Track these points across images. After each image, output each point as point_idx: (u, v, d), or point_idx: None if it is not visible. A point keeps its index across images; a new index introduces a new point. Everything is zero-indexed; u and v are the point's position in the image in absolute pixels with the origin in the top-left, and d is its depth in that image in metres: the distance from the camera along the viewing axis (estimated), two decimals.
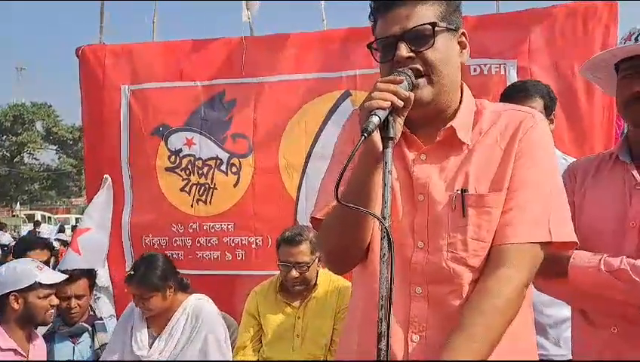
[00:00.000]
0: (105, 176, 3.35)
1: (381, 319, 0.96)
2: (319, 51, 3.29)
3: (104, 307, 3.26)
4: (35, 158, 38.37)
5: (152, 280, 2.46)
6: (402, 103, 1.05)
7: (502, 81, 3.02)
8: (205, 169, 3.35)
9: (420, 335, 1.13)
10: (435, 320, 1.12)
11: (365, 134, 1.00)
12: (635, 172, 1.47)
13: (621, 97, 1.48)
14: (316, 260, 2.52)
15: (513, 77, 3.02)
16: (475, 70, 3.02)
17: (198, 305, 2.56)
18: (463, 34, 1.21)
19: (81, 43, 3.49)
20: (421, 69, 1.13)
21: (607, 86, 1.63)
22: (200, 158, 3.36)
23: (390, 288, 0.96)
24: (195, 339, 2.48)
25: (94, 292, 3.04)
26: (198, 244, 3.31)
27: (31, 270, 2.37)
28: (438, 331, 1.11)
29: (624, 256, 1.37)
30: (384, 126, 1.04)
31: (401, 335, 1.13)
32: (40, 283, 2.34)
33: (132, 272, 2.52)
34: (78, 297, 2.75)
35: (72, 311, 2.73)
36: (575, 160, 1.81)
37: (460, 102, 1.21)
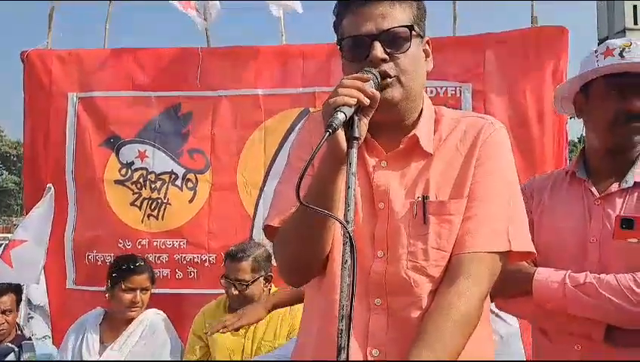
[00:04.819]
0: (48, 185, 3.16)
1: (341, 330, 0.91)
2: (279, 66, 3.25)
3: (37, 327, 3.04)
4: None
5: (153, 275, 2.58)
6: (369, 102, 1.01)
7: (457, 103, 3.07)
8: (158, 183, 3.23)
9: (379, 350, 1.09)
10: (395, 334, 1.09)
11: (330, 130, 0.94)
12: (593, 188, 1.47)
13: (606, 116, 1.43)
14: (260, 278, 2.45)
15: (468, 100, 3.08)
16: (431, 92, 3.06)
17: (155, 320, 2.53)
18: (428, 42, 1.20)
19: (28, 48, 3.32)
20: (391, 71, 1.10)
21: (561, 104, 1.63)
22: (153, 172, 3.24)
23: (352, 296, 0.91)
24: (148, 354, 2.42)
25: (28, 311, 2.85)
26: None
27: None
28: (398, 345, 1.07)
29: (588, 272, 1.37)
30: (349, 125, 0.99)
31: (360, 349, 1.09)
32: None
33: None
34: (4, 312, 2.62)
35: None
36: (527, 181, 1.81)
37: (421, 110, 1.19)
